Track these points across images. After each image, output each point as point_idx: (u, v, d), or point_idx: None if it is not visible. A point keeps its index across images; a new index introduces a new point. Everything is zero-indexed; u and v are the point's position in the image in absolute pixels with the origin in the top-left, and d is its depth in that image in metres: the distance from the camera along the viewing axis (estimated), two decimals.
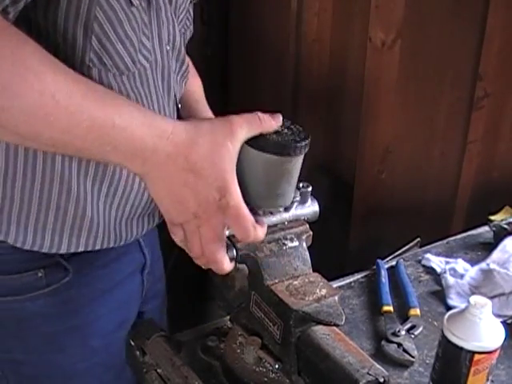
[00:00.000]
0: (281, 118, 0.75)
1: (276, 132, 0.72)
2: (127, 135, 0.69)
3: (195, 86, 1.16)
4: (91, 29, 0.77)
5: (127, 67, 0.83)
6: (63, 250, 0.92)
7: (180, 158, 0.70)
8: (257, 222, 0.73)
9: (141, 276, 1.10)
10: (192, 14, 1.06)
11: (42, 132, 0.68)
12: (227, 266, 0.75)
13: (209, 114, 1.12)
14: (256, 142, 0.71)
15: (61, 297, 0.96)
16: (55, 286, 0.95)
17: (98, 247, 0.94)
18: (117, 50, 0.80)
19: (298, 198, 0.80)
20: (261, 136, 0.71)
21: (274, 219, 0.78)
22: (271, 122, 0.73)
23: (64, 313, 0.98)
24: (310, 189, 0.81)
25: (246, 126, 0.72)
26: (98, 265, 0.99)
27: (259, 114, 0.74)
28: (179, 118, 0.98)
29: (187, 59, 1.04)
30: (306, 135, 0.73)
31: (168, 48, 0.91)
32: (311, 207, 0.82)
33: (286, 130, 0.73)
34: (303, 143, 0.72)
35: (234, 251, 0.74)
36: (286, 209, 0.79)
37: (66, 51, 0.77)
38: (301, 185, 0.80)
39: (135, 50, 0.83)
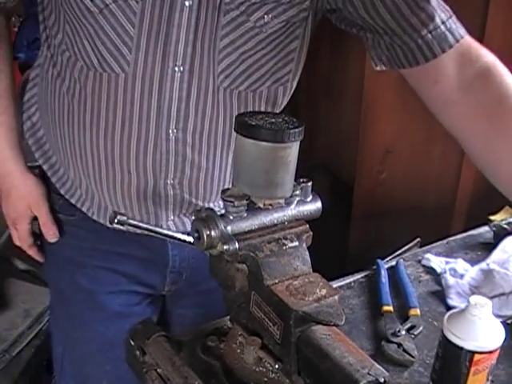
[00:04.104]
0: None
1: (270, 122, 0.73)
2: None
3: None
4: None
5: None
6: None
7: None
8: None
9: (163, 271, 1.17)
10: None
11: None
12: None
13: None
14: (249, 132, 0.72)
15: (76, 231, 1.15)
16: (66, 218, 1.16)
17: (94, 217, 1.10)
18: None
19: (298, 192, 0.79)
20: (255, 125, 0.72)
21: (276, 215, 0.78)
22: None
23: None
24: (310, 183, 0.81)
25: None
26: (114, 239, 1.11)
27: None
28: None
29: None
30: (300, 124, 0.74)
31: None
32: (313, 203, 0.82)
33: (280, 120, 0.74)
34: (296, 130, 0.72)
35: (236, 244, 0.74)
36: (288, 203, 0.79)
37: None
38: (301, 180, 0.80)
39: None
